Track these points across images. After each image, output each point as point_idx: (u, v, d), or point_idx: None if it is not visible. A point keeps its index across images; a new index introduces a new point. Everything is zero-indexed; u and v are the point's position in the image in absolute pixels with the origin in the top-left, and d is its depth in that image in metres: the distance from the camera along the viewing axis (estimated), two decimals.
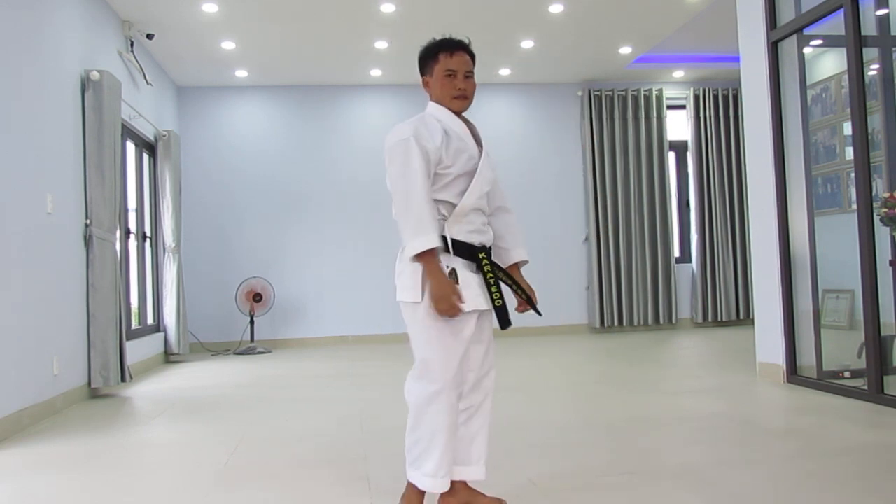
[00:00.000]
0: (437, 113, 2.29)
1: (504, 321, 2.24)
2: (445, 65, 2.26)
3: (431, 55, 2.29)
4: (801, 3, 4.58)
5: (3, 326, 3.77)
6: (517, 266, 2.43)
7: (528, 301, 2.36)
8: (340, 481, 2.78)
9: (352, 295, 8.02)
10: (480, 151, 2.29)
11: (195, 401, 4.72)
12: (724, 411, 3.87)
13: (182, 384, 5.51)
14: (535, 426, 3.63)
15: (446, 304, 2.08)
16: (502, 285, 2.30)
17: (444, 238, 2.17)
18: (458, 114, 2.30)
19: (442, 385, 2.16)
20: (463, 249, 2.22)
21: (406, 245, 2.12)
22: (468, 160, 2.22)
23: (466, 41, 2.31)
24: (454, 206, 2.22)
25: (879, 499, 2.40)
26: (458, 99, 2.27)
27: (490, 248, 2.32)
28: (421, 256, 2.11)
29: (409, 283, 2.17)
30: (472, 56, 2.31)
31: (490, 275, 2.24)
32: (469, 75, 2.29)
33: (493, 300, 2.23)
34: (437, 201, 2.20)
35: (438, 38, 2.31)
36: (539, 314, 2.45)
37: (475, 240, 2.25)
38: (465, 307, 2.13)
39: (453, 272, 2.16)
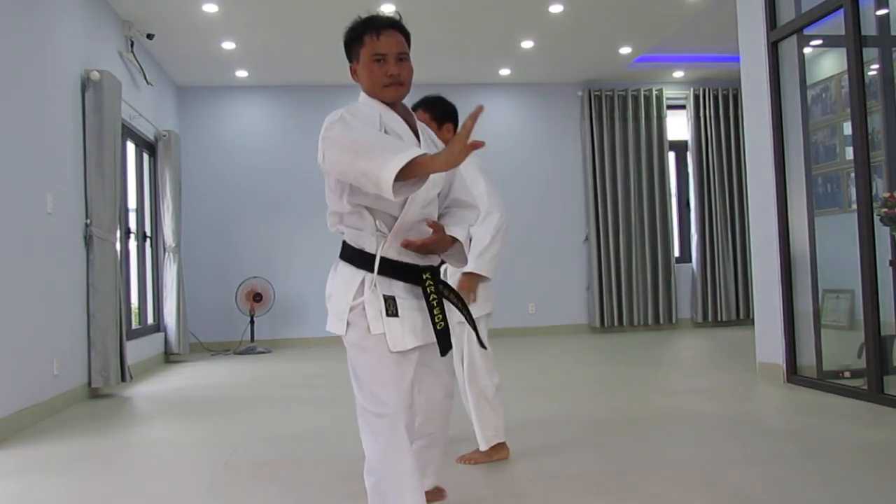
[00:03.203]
0: (369, 106, 1.90)
1: (445, 347, 1.87)
2: (372, 48, 1.86)
3: (356, 37, 1.90)
4: (801, 3, 4.58)
5: (3, 326, 3.76)
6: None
7: (469, 322, 2.04)
8: (340, 481, 2.78)
9: None
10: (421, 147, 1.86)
11: (195, 401, 4.72)
12: (724, 411, 3.86)
13: (182, 384, 5.51)
14: (534, 426, 3.63)
15: (462, 154, 1.59)
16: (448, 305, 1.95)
17: (375, 258, 1.86)
18: (394, 105, 1.92)
19: None
20: (404, 271, 1.87)
21: (383, 180, 1.60)
22: None
23: (397, 17, 1.92)
24: (395, 217, 1.85)
25: (879, 498, 2.40)
26: (391, 87, 1.87)
27: (438, 266, 1.98)
28: (410, 175, 1.62)
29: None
30: (406, 35, 1.92)
31: (434, 297, 1.87)
32: (403, 58, 1.88)
33: (434, 324, 1.86)
34: (373, 212, 1.85)
35: (364, 16, 1.91)
36: (482, 345, 2.25)
37: (420, 261, 1.90)
38: (404, 345, 1.83)
39: (392, 301, 1.84)
